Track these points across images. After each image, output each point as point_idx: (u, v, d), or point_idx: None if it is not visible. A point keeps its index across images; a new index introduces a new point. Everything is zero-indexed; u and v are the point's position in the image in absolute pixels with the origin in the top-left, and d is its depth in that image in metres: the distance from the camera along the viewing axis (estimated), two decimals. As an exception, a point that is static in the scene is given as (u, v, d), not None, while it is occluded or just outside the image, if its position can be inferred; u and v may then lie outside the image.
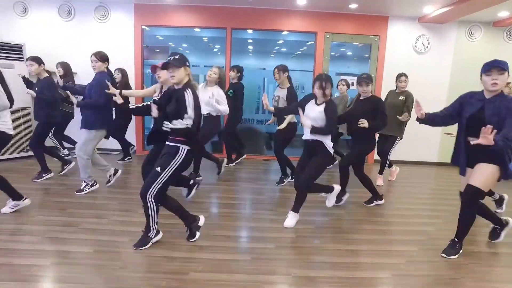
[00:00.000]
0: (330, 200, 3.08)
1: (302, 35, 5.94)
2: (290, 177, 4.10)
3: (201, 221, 2.59)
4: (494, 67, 2.18)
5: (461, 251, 2.46)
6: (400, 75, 4.19)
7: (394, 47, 5.40)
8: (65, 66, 4.55)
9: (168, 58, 2.25)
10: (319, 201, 3.33)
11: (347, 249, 2.55)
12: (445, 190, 4.31)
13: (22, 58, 4.91)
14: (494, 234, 2.68)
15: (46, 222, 2.77)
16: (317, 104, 2.80)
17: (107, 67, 3.52)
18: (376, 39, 5.42)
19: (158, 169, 2.27)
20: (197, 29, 5.76)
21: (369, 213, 3.35)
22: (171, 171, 2.27)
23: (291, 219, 2.87)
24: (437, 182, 4.89)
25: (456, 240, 2.45)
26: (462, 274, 2.26)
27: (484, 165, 2.27)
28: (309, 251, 2.53)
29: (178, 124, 2.14)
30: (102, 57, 3.44)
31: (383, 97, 4.09)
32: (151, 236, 2.37)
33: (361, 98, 3.32)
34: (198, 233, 2.54)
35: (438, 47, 5.41)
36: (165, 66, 2.27)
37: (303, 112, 2.79)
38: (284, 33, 5.80)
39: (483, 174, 2.27)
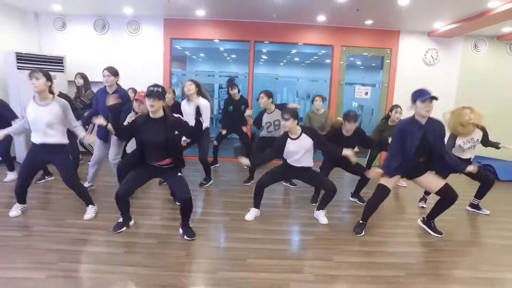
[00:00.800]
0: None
1: (312, 46, 6.36)
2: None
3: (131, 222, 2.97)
4: (429, 97, 2.62)
5: None
6: (396, 106, 4.28)
7: (405, 59, 5.82)
8: (84, 76, 4.90)
9: (151, 89, 2.52)
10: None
11: (374, 240, 2.93)
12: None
13: (63, 69, 5.34)
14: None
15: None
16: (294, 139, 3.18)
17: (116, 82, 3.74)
18: (388, 52, 5.84)
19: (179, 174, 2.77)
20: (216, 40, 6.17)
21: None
22: None
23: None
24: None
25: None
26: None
27: (430, 173, 2.98)
28: (344, 242, 2.90)
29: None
30: (114, 72, 3.64)
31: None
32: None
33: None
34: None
35: (446, 60, 5.83)
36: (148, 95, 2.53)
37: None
38: (299, 44, 6.20)
39: (434, 178, 2.98)
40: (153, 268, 2.33)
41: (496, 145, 3.80)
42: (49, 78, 2.91)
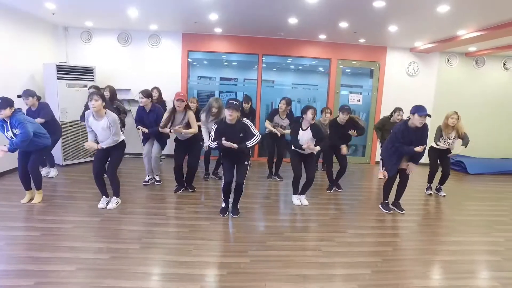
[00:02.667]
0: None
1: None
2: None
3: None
4: (425, 115, 3.63)
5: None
6: (399, 109, 5.30)
7: (391, 71, 6.80)
8: (111, 89, 5.24)
9: (231, 102, 3.40)
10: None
11: (378, 219, 3.82)
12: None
13: (93, 78, 5.92)
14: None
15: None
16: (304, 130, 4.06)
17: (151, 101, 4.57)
18: (377, 64, 6.80)
19: (246, 163, 3.62)
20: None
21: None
22: None
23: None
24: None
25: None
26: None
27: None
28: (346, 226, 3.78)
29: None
30: (148, 95, 4.49)
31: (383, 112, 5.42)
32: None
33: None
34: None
35: (425, 71, 6.86)
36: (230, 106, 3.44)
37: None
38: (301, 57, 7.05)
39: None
40: (217, 240, 3.09)
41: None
42: (104, 99, 3.58)
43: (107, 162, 3.87)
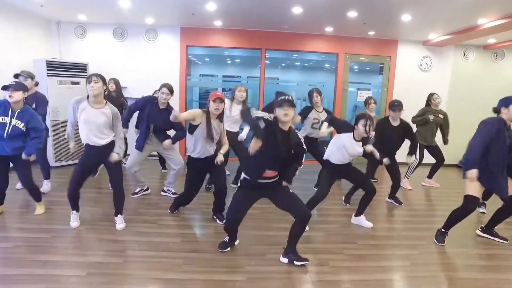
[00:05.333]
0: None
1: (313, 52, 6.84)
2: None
3: None
4: None
5: None
6: (433, 94, 4.87)
7: (403, 66, 6.38)
8: (116, 82, 4.99)
9: (285, 97, 2.33)
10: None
11: (371, 243, 3.42)
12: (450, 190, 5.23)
13: (86, 75, 5.61)
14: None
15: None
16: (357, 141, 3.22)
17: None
18: (387, 59, 6.38)
19: (291, 191, 2.59)
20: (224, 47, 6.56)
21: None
22: None
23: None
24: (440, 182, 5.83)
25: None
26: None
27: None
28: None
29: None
30: (172, 91, 3.83)
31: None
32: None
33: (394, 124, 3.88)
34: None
35: (439, 66, 6.42)
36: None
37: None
38: (307, 52, 6.68)
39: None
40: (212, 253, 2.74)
41: None
42: (105, 82, 2.93)
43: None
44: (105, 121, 2.92)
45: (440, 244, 3.09)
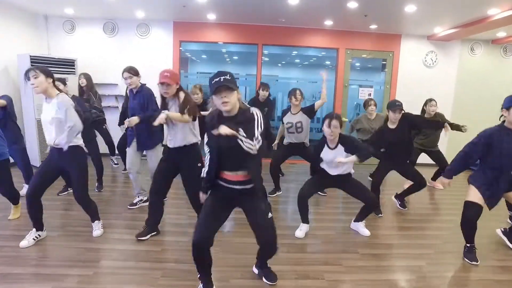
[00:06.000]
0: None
1: (313, 49, 6.55)
2: None
3: None
4: None
5: None
6: (430, 100, 4.34)
7: (406, 62, 6.07)
8: (88, 77, 4.59)
9: (218, 79, 1.77)
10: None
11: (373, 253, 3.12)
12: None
13: (75, 72, 5.37)
14: None
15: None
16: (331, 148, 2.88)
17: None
18: (390, 55, 6.08)
19: (270, 215, 2.01)
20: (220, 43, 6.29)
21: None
22: None
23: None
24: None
25: None
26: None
27: None
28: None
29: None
30: (136, 72, 3.29)
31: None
32: None
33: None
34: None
35: (445, 62, 6.11)
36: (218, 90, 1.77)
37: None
38: (305, 47, 6.39)
39: None
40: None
41: None
42: (48, 74, 2.48)
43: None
44: (56, 112, 2.48)
45: (472, 262, 2.65)
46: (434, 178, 4.72)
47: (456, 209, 3.79)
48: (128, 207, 3.54)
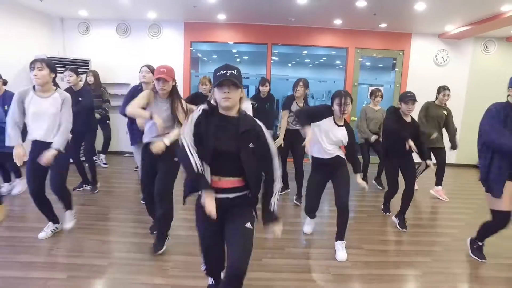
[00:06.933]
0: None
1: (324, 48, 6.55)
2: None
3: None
4: None
5: None
6: (444, 88, 4.16)
7: (417, 60, 6.03)
8: (95, 74, 4.81)
9: (225, 72, 1.59)
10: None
11: (379, 250, 3.14)
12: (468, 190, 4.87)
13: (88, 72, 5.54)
14: None
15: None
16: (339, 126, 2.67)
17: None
18: (400, 53, 6.05)
19: (248, 225, 1.65)
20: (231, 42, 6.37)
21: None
22: None
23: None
24: (458, 182, 5.47)
25: None
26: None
27: None
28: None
29: None
30: (153, 70, 3.23)
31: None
32: None
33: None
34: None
35: (456, 60, 6.04)
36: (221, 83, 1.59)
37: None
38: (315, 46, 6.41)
39: None
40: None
41: None
42: (53, 70, 2.54)
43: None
44: (57, 108, 2.53)
45: (481, 260, 2.61)
46: (439, 182, 4.32)
47: (466, 208, 3.77)
48: (141, 201, 3.62)
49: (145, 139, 2.57)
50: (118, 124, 5.60)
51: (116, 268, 2.39)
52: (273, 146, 1.69)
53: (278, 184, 1.68)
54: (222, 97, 1.58)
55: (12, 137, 2.53)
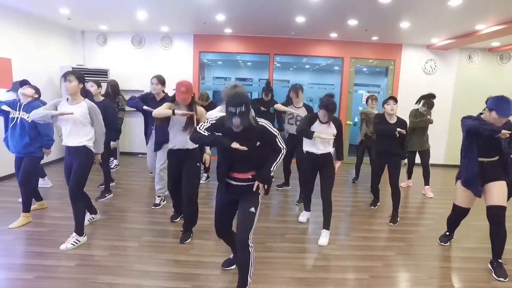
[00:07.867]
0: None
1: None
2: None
3: None
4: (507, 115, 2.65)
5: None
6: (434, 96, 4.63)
7: (407, 69, 6.55)
8: (113, 84, 5.05)
9: (234, 109, 1.95)
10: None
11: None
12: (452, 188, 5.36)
13: (107, 80, 6.09)
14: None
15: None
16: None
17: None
18: (392, 63, 6.58)
19: (252, 209, 2.13)
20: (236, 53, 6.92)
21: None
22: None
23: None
24: (444, 181, 5.97)
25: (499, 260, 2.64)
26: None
27: (499, 183, 2.67)
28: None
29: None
30: (162, 81, 3.75)
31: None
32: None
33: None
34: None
35: (443, 69, 6.56)
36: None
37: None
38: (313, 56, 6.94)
39: (502, 192, 2.65)
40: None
41: None
42: (81, 80, 2.88)
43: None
44: (81, 114, 2.83)
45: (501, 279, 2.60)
46: (426, 182, 4.82)
47: (446, 203, 4.27)
48: (152, 207, 3.93)
49: (170, 145, 3.09)
50: (132, 126, 6.16)
51: (146, 248, 2.94)
52: (275, 130, 2.12)
53: (281, 155, 2.14)
54: (235, 129, 2.01)
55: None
